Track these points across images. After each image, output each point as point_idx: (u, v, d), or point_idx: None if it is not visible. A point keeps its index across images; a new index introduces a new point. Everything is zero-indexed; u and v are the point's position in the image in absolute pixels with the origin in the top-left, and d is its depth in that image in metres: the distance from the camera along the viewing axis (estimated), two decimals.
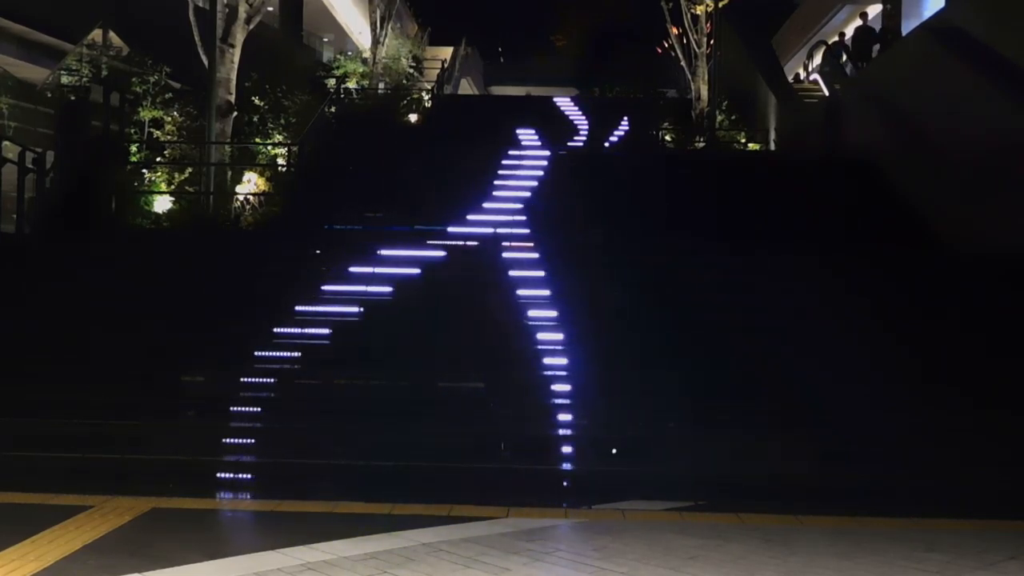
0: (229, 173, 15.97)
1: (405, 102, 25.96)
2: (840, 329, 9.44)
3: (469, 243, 11.80)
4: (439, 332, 9.64)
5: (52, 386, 8.70)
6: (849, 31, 21.85)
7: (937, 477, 7.62)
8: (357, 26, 37.08)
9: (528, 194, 14.50)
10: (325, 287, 10.54)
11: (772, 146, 22.42)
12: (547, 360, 9.24)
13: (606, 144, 20.89)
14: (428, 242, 11.75)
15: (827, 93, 20.38)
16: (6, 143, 14.77)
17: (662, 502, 7.23)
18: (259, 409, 8.48)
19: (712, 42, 25.93)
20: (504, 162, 16.03)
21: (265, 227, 14.60)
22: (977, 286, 10.18)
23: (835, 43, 21.89)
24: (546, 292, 10.35)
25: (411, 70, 30.36)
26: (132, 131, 17.67)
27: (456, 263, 11.15)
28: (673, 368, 8.87)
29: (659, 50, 37.02)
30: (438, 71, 31.12)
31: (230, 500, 7.26)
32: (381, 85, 28.18)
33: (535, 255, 11.36)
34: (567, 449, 8.11)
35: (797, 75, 29.35)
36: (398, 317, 9.98)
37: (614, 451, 8.06)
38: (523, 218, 13.37)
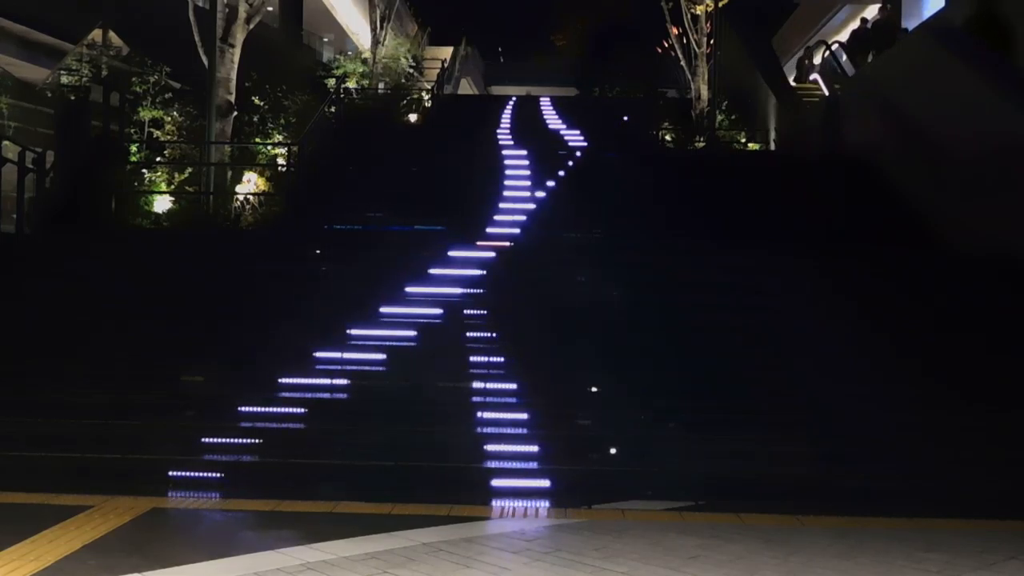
0: (229, 173, 15.98)
1: (405, 102, 25.99)
2: (839, 329, 9.44)
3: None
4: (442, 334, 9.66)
5: (51, 386, 8.70)
6: (861, 20, 21.78)
7: (937, 477, 7.62)
8: (357, 26, 37.07)
9: (529, 193, 14.48)
10: (327, 286, 10.54)
11: (772, 146, 22.43)
12: (553, 360, 9.24)
13: (606, 143, 20.88)
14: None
15: (827, 93, 20.36)
16: (6, 143, 14.76)
17: (662, 502, 7.24)
18: (259, 408, 8.47)
19: (712, 42, 25.94)
20: (503, 162, 16.02)
21: (265, 227, 14.62)
22: (977, 286, 10.18)
23: (858, 29, 21.61)
24: (551, 293, 10.35)
25: (411, 70, 30.36)
26: (132, 131, 17.68)
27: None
28: (673, 368, 8.87)
29: (659, 50, 37.02)
30: (438, 71, 31.11)
31: (230, 500, 7.25)
32: (381, 85, 28.20)
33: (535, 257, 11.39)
34: (566, 449, 8.10)
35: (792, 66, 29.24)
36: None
37: (613, 451, 8.06)
38: (524, 218, 13.36)
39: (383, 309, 9.93)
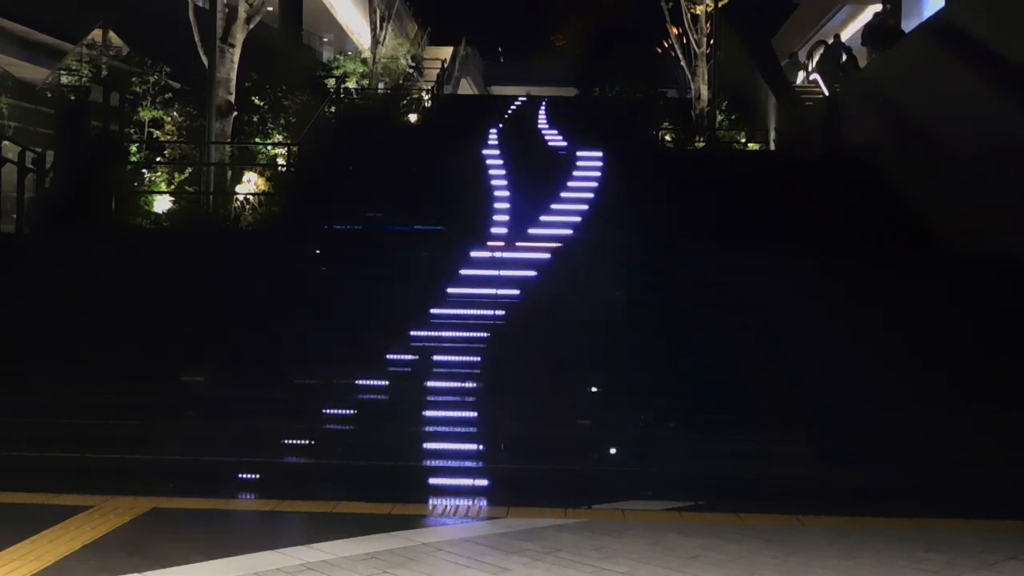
0: (229, 173, 15.97)
1: (405, 102, 26.00)
2: (839, 329, 9.44)
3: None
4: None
5: (51, 386, 8.70)
6: (865, 18, 21.74)
7: (937, 477, 7.62)
8: (357, 26, 37.05)
9: (529, 194, 14.45)
10: (326, 286, 10.53)
11: (772, 146, 22.43)
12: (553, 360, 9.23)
13: (606, 143, 20.89)
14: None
15: (827, 93, 20.37)
16: (6, 143, 14.75)
17: (662, 502, 7.24)
18: (259, 408, 8.46)
19: (712, 42, 25.94)
20: (503, 162, 16.02)
21: (265, 226, 14.62)
22: (977, 286, 10.18)
23: (872, 22, 21.47)
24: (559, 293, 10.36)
25: (411, 70, 30.35)
26: (132, 131, 17.67)
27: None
28: (673, 368, 8.87)
29: (659, 50, 37.03)
30: (438, 71, 31.10)
31: (230, 500, 7.25)
32: (381, 85, 28.19)
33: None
34: (567, 448, 8.10)
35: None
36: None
37: (613, 451, 8.05)
38: (524, 219, 13.35)
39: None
